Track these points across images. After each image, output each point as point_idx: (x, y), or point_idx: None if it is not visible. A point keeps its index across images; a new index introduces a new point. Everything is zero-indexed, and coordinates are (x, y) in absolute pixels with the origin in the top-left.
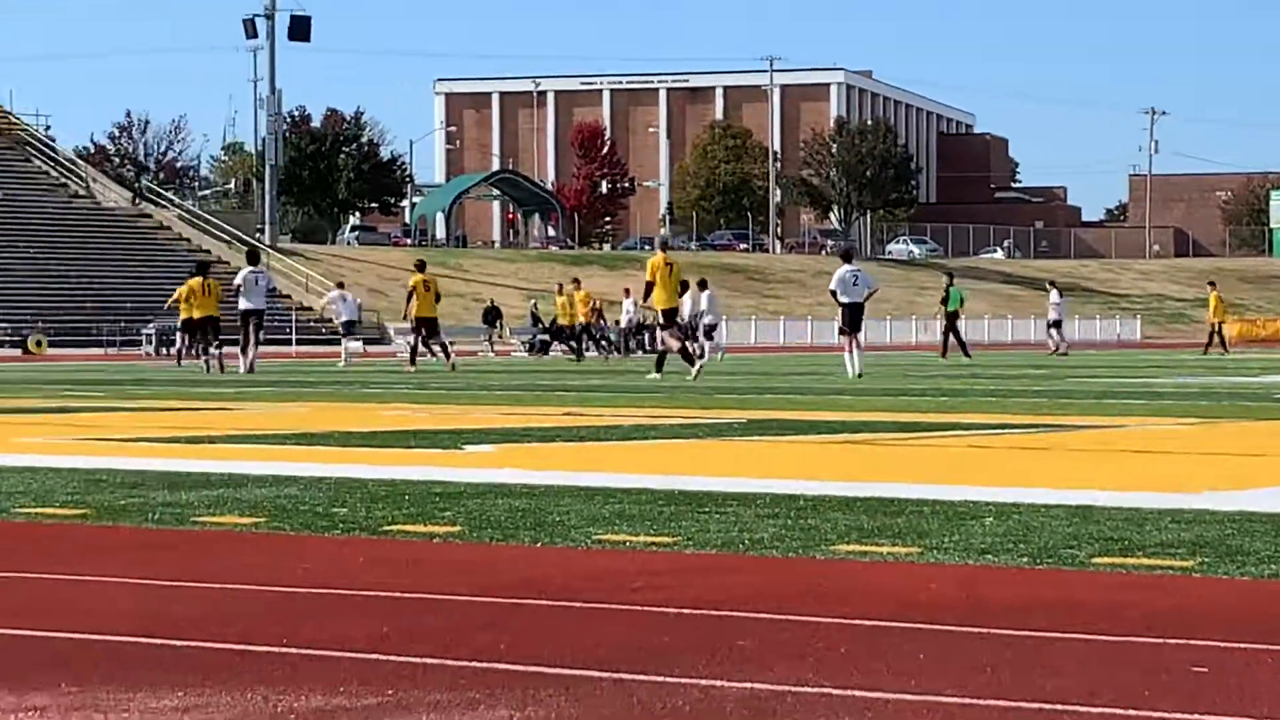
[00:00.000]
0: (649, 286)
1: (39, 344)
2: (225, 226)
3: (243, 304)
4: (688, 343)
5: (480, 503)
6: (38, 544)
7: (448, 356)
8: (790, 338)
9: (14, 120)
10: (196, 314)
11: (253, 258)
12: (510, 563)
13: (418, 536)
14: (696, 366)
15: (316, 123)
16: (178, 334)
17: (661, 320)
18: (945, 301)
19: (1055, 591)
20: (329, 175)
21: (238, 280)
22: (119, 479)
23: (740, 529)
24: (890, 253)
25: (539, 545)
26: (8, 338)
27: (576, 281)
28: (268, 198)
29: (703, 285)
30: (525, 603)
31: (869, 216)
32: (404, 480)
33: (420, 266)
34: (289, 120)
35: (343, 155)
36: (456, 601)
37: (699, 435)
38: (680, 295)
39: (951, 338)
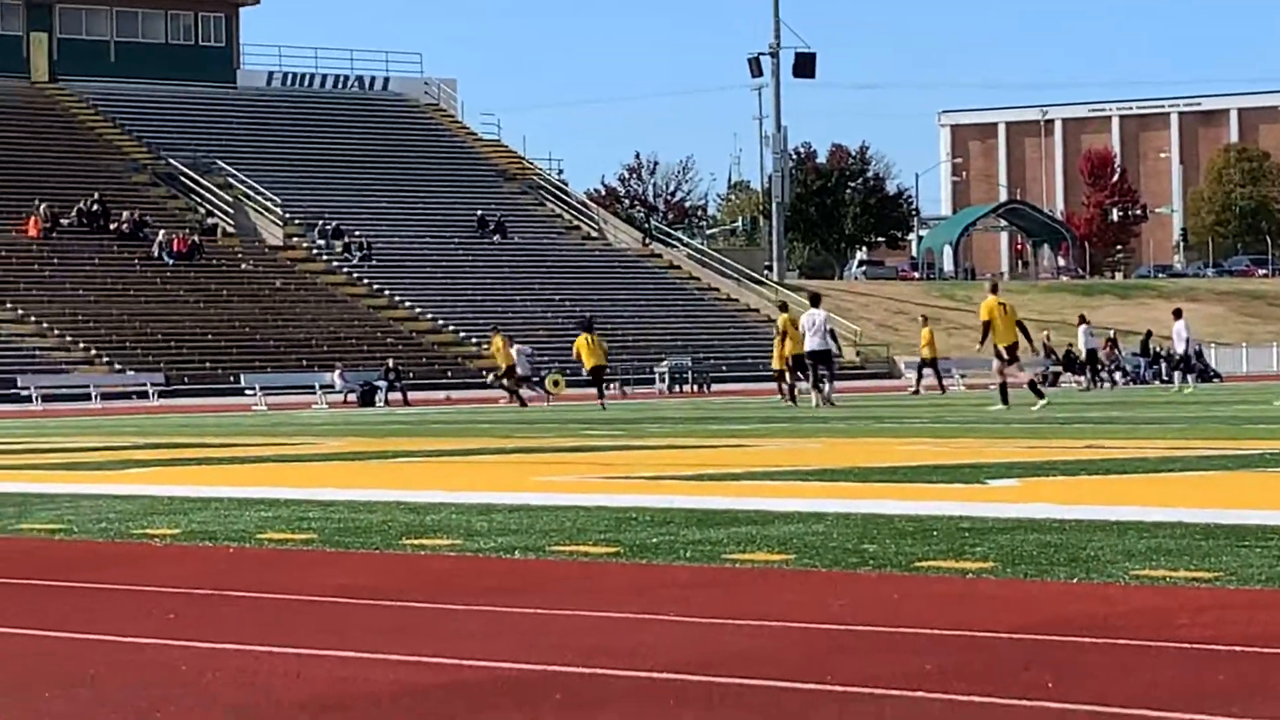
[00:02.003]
0: (986, 327)
1: (556, 384)
2: (733, 264)
3: (806, 345)
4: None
5: (1010, 538)
6: (573, 582)
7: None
8: None
9: (528, 165)
10: (589, 363)
11: (814, 300)
12: (1047, 599)
13: (950, 573)
14: (1043, 400)
15: (822, 158)
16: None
17: (1006, 356)
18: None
19: None
20: (835, 211)
21: (802, 326)
22: (648, 517)
23: None
24: None
25: (1074, 581)
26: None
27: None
28: (775, 235)
29: (1177, 314)
30: (1067, 640)
31: None
32: (930, 515)
33: (784, 307)
34: (794, 157)
35: (848, 190)
36: (995, 639)
37: (1228, 467)
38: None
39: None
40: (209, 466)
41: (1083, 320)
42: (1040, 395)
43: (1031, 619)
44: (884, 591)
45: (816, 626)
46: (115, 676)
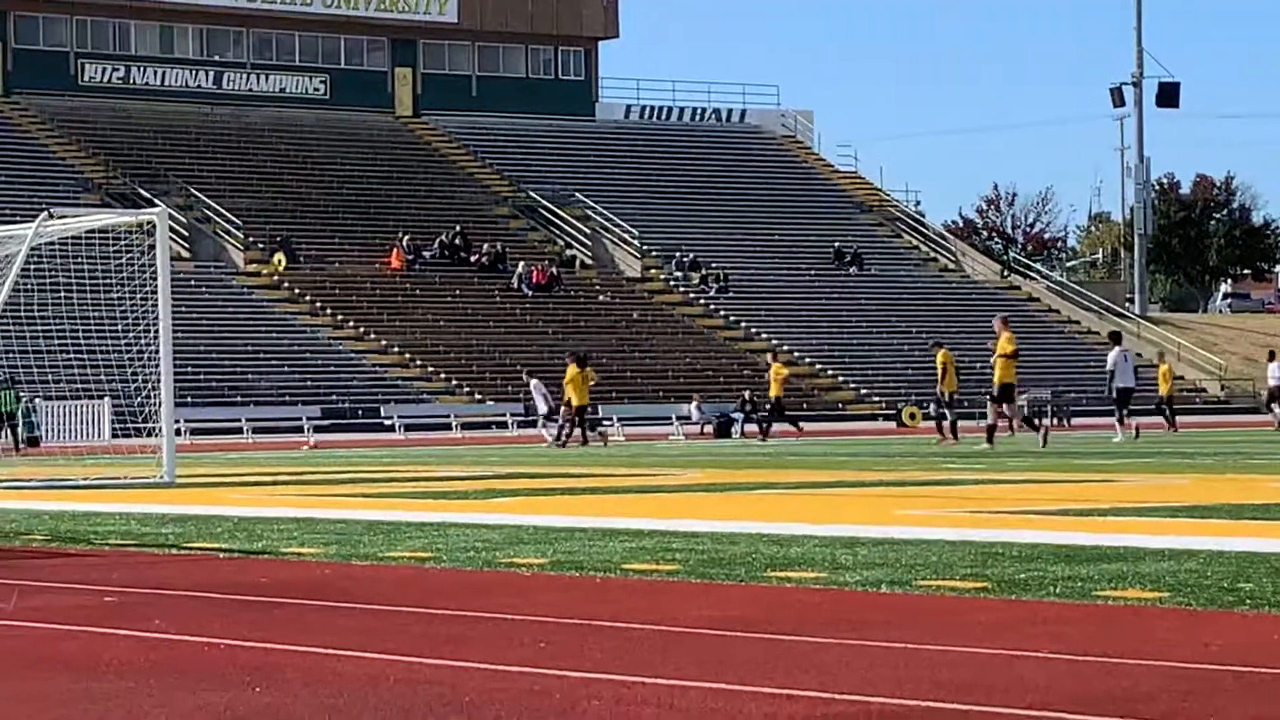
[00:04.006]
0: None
1: (912, 417)
2: (1094, 297)
3: (1118, 383)
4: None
5: None
6: (941, 617)
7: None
8: None
9: (885, 197)
10: (577, 400)
11: (1116, 338)
12: None
13: None
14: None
15: (1185, 189)
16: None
17: (997, 394)
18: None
19: None
20: (1199, 242)
21: (1110, 364)
22: (1014, 551)
23: None
24: None
25: None
26: (883, 411)
27: None
28: (1137, 267)
29: (1271, 356)
30: None
31: None
32: None
33: (938, 344)
34: (1157, 188)
35: (1213, 221)
36: None
37: None
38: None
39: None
40: (571, 496)
41: (1272, 356)
42: (990, 441)
43: None
44: (1262, 631)
45: (1195, 666)
46: (491, 704)
